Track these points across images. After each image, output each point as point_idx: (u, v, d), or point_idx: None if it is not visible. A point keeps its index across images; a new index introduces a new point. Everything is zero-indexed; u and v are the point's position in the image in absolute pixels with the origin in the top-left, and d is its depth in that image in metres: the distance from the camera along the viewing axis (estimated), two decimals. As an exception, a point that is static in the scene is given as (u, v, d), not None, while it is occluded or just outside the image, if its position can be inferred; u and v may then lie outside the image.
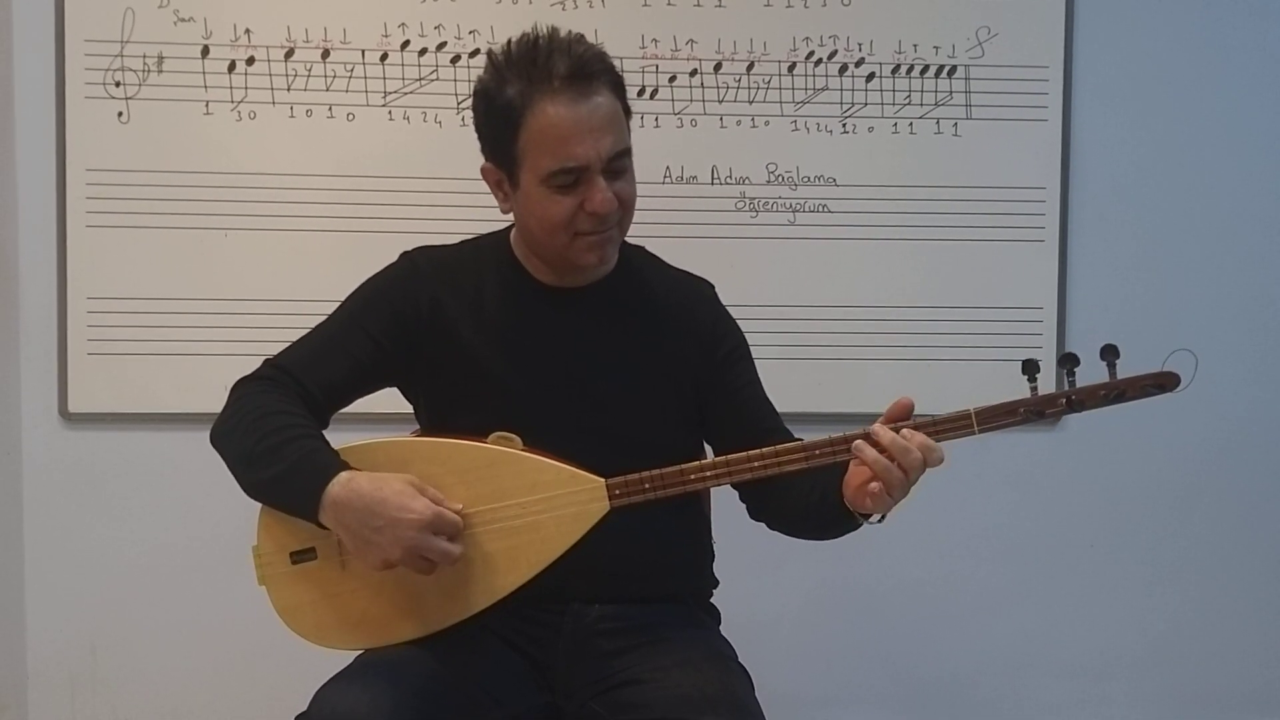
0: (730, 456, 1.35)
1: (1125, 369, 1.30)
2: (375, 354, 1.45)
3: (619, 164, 1.38)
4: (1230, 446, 2.46)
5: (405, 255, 1.52)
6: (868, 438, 1.30)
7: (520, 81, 1.35)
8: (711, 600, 1.60)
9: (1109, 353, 1.29)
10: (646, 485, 1.34)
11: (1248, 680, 2.51)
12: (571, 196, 1.37)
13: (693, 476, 1.35)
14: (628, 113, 1.41)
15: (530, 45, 1.36)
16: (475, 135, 1.45)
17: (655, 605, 1.49)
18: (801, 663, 2.42)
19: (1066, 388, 1.31)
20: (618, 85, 1.40)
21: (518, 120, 1.35)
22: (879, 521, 1.36)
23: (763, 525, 1.55)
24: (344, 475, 1.29)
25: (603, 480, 1.35)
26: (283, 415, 1.36)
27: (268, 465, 1.33)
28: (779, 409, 1.57)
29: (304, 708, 1.30)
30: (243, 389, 1.43)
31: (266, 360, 1.46)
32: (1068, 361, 1.30)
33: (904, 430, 1.29)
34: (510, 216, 1.49)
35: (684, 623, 1.50)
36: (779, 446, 1.34)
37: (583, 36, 1.39)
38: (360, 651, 1.40)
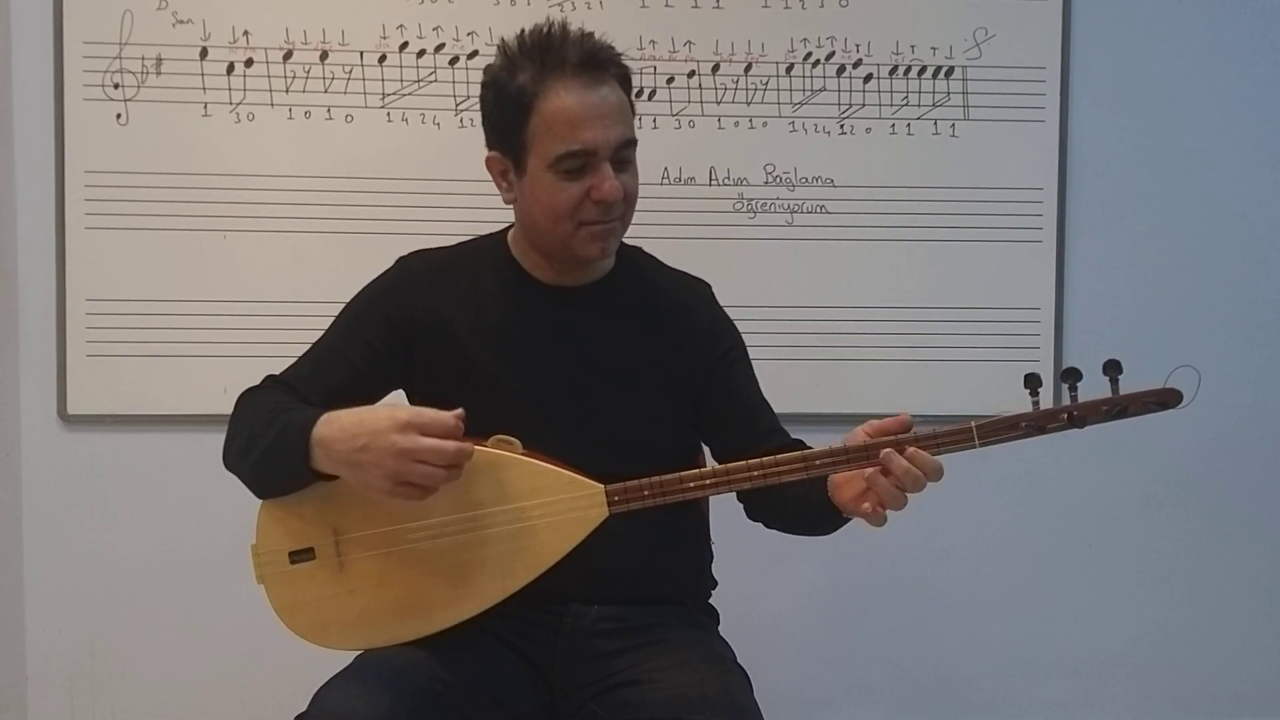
0: (730, 465, 1.34)
1: (1124, 368, 1.30)
2: (373, 361, 1.46)
3: (625, 155, 1.40)
4: (1228, 446, 2.47)
5: (401, 261, 1.53)
6: (883, 465, 1.29)
7: (533, 67, 1.37)
8: (710, 601, 1.60)
9: (1111, 368, 1.28)
10: (645, 492, 1.34)
11: (1245, 680, 2.51)
12: (578, 183, 1.38)
13: (691, 485, 1.34)
14: (633, 109, 1.44)
15: (544, 35, 1.39)
16: (480, 129, 1.46)
17: (654, 606, 1.49)
18: (800, 663, 2.43)
19: (1068, 402, 1.31)
20: (626, 79, 1.43)
21: (529, 105, 1.37)
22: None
23: (760, 526, 1.56)
24: (326, 415, 1.30)
25: (602, 486, 1.35)
26: (273, 404, 1.38)
27: (260, 441, 1.33)
28: (777, 410, 1.58)
29: (303, 708, 1.30)
30: (241, 400, 1.44)
31: (268, 376, 1.47)
32: (1070, 376, 1.29)
33: (909, 451, 1.29)
34: (509, 214, 1.49)
35: (682, 623, 1.50)
36: (779, 457, 1.33)
37: (593, 33, 1.41)
38: (359, 652, 1.40)
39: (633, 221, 1.47)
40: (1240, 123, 2.43)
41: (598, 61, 1.38)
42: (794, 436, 1.53)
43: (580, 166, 1.37)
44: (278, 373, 1.47)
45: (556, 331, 1.49)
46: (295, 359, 1.49)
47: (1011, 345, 2.36)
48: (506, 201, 1.48)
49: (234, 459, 1.39)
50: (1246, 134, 2.43)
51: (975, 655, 2.47)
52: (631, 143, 1.41)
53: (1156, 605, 2.49)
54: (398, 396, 1.53)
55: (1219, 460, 2.47)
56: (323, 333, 1.50)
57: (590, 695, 1.42)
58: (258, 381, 1.47)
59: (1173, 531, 2.48)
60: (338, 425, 1.28)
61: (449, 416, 1.25)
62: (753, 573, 2.31)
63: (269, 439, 1.33)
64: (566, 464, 1.36)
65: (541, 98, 1.37)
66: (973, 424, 1.30)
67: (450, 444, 1.24)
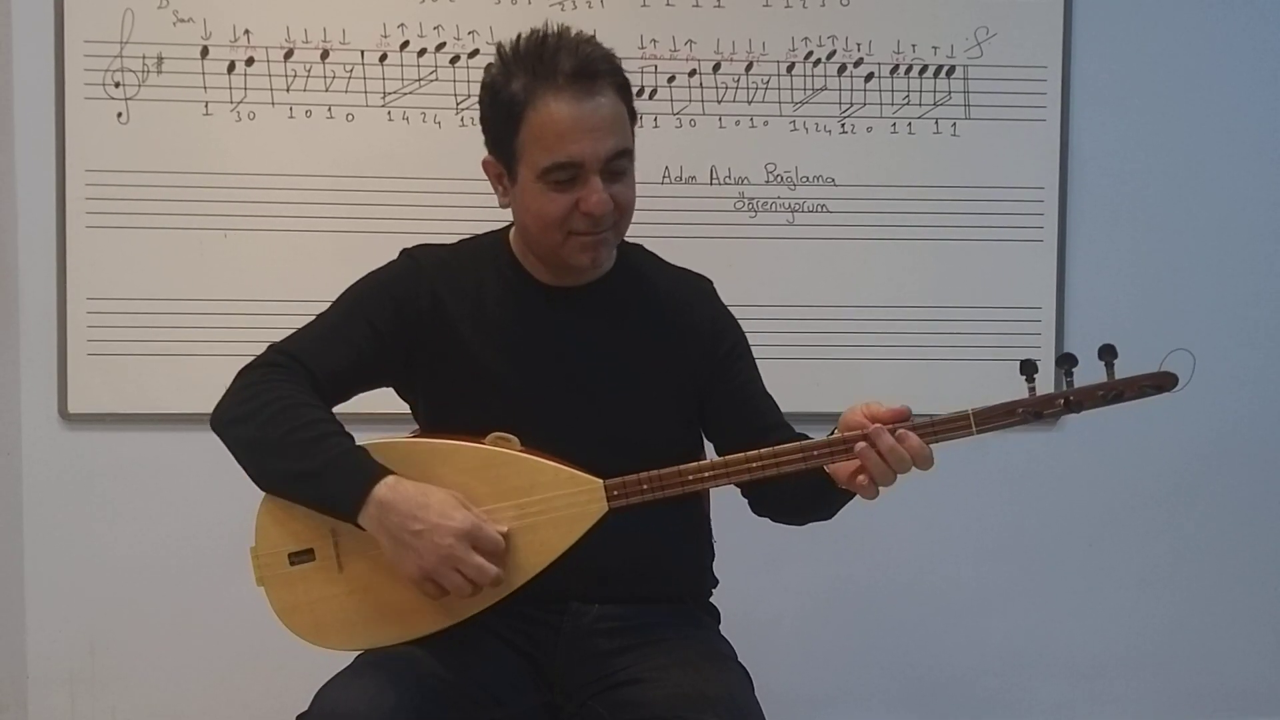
0: (729, 458, 1.35)
1: (1123, 368, 1.31)
2: (377, 345, 1.44)
3: (618, 165, 1.38)
4: (1227, 445, 2.47)
5: (406, 252, 1.52)
6: (869, 440, 1.31)
7: (525, 76, 1.36)
8: (711, 600, 1.60)
9: (1107, 353, 1.29)
10: (645, 486, 1.34)
11: (1245, 679, 2.51)
12: (567, 195, 1.37)
13: (691, 478, 1.35)
14: (633, 117, 1.42)
15: (539, 42, 1.37)
16: (478, 131, 1.46)
17: (654, 605, 1.49)
18: (801, 662, 2.43)
19: (1065, 388, 1.31)
20: (623, 88, 1.40)
21: (520, 114, 1.36)
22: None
23: (762, 524, 1.56)
24: (391, 478, 1.30)
25: (600, 481, 1.35)
26: (311, 409, 1.36)
27: (299, 458, 1.32)
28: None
29: (304, 707, 1.30)
30: (253, 374, 1.41)
31: (272, 345, 1.44)
32: (1066, 362, 1.30)
33: (900, 431, 1.30)
34: (509, 213, 1.49)
35: (683, 622, 1.50)
36: (777, 448, 1.34)
37: (593, 38, 1.39)
38: (360, 651, 1.40)
39: (634, 221, 1.46)
40: (1240, 123, 2.43)
41: (591, 71, 1.35)
42: (800, 433, 1.52)
43: (569, 178, 1.36)
44: (269, 350, 1.44)
45: (557, 330, 1.48)
46: (295, 331, 1.46)
47: (1012, 344, 2.36)
48: (502, 205, 1.48)
49: (247, 446, 1.36)
50: (1246, 134, 2.43)
51: (975, 655, 2.47)
52: (624, 153, 1.39)
53: (1156, 604, 2.49)
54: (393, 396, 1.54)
55: (1219, 459, 2.47)
56: (324, 310, 1.48)
57: (591, 694, 1.42)
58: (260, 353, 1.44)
59: (1173, 530, 2.48)
60: (402, 494, 1.28)
61: (501, 540, 1.30)
62: (753, 572, 2.31)
63: (312, 462, 1.31)
64: (566, 462, 1.36)
65: (531, 108, 1.35)
66: (970, 411, 1.31)
67: (494, 570, 1.28)
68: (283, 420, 1.34)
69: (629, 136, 1.40)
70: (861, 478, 1.33)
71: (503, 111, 1.38)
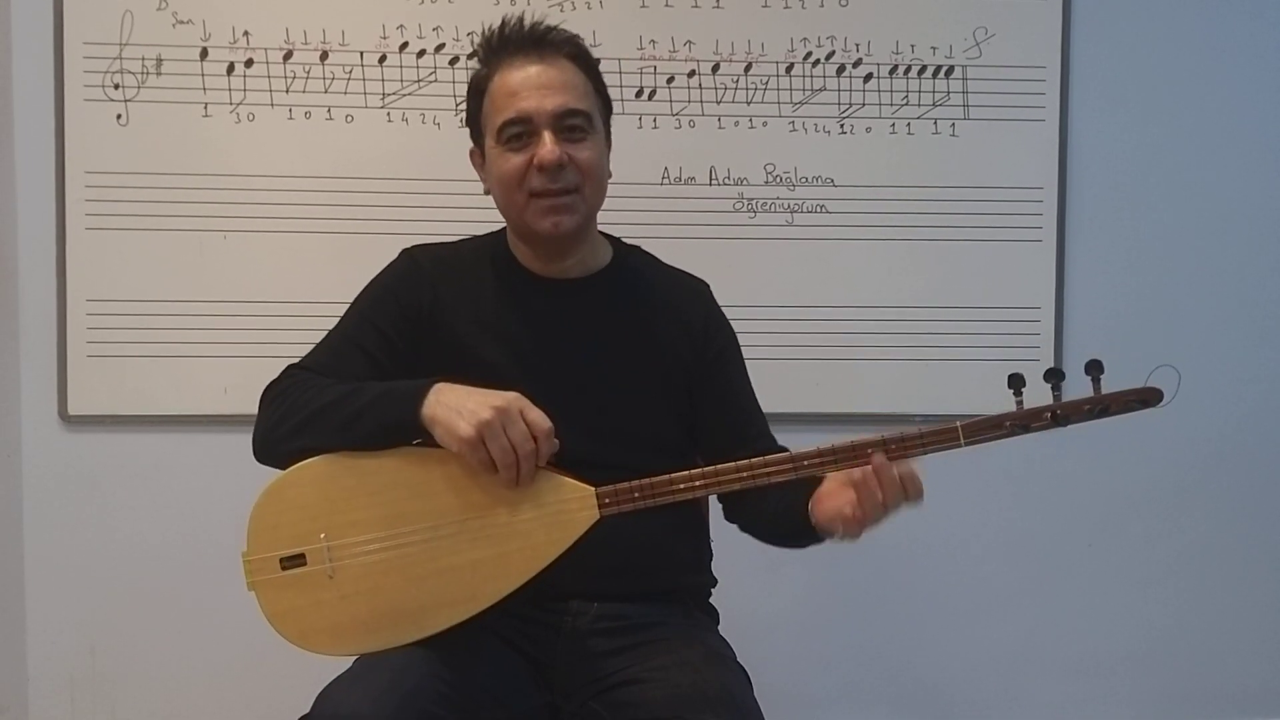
0: (719, 466, 1.35)
1: (1121, 369, 1.32)
2: (388, 349, 1.47)
3: (572, 123, 1.43)
4: (1226, 446, 2.47)
5: (406, 252, 1.54)
6: (874, 471, 1.30)
7: (486, 54, 1.47)
8: (710, 600, 1.60)
9: (1093, 368, 1.31)
10: (636, 494, 1.35)
11: (1245, 679, 2.51)
12: (523, 154, 1.42)
13: (681, 486, 1.35)
14: (602, 94, 1.49)
15: (501, 27, 1.47)
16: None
17: (654, 604, 1.49)
18: (800, 663, 2.43)
19: (1052, 402, 1.32)
20: (582, 59, 1.47)
21: (484, 89, 1.46)
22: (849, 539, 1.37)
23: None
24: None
25: (592, 489, 1.35)
26: (341, 384, 1.39)
27: (349, 403, 1.34)
28: (777, 409, 1.58)
29: (304, 708, 1.30)
30: (274, 389, 1.43)
31: (289, 365, 1.46)
32: (1053, 376, 1.32)
33: (903, 470, 1.30)
34: (494, 203, 1.51)
35: (682, 622, 1.50)
36: (767, 458, 1.34)
37: (557, 26, 1.47)
38: (355, 656, 1.40)
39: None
40: (1240, 123, 2.43)
41: (538, 38, 1.45)
42: (782, 445, 1.52)
43: (522, 134, 1.42)
44: (286, 370, 1.46)
45: (553, 323, 1.50)
46: (312, 347, 1.49)
47: (1011, 345, 2.36)
48: (485, 192, 1.52)
49: (285, 435, 1.37)
50: (1246, 134, 2.43)
51: (975, 655, 2.47)
52: (576, 113, 1.43)
53: (1156, 605, 2.49)
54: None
55: (1219, 460, 2.47)
56: (336, 322, 1.51)
57: (591, 694, 1.42)
58: (262, 384, 1.45)
59: (1172, 531, 2.48)
60: (459, 386, 1.32)
61: (549, 424, 1.30)
62: (753, 572, 2.30)
63: (365, 398, 1.34)
64: (560, 465, 1.36)
65: (490, 80, 1.46)
66: (958, 424, 1.32)
67: (529, 445, 1.28)
68: (320, 396, 1.37)
69: (585, 100, 1.45)
70: (848, 509, 1.32)
71: (473, 95, 1.49)
